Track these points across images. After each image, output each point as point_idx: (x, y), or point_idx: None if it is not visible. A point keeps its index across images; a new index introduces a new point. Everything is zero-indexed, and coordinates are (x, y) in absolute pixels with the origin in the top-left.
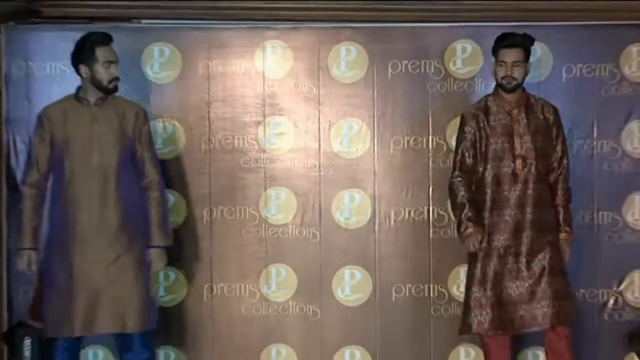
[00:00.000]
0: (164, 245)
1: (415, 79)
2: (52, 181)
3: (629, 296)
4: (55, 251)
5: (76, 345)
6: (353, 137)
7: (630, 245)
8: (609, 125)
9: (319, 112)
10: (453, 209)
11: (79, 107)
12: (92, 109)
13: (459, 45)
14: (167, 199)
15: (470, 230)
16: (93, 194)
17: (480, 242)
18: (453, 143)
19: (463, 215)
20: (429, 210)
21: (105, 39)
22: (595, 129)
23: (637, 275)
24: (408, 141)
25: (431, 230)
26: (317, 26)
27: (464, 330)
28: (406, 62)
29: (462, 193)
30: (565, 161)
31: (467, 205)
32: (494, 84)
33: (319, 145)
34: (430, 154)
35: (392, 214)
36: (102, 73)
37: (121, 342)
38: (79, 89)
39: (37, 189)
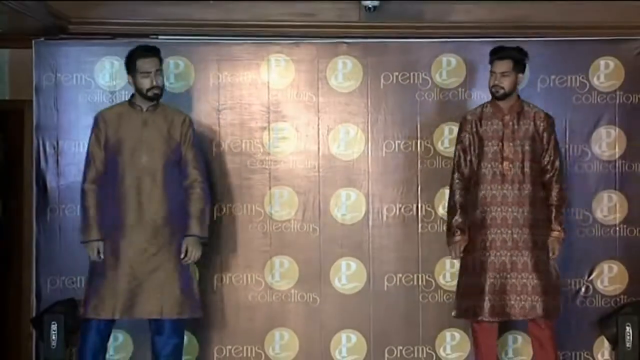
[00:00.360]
0: (199, 235)
1: (405, 89)
2: (107, 178)
3: (598, 285)
4: (105, 242)
5: (108, 328)
6: (349, 141)
7: (600, 239)
8: (580, 131)
9: (319, 118)
10: (447, 211)
11: (132, 111)
12: (144, 115)
13: (444, 59)
14: (208, 198)
15: (457, 237)
16: (142, 192)
17: (463, 251)
18: (439, 147)
19: (453, 221)
20: (417, 207)
21: (147, 52)
22: (567, 134)
23: (606, 266)
24: (399, 145)
25: (420, 225)
26: (316, 42)
27: (457, 315)
28: (397, 73)
29: (457, 196)
30: (557, 163)
31: (459, 211)
32: (475, 92)
33: (318, 148)
34: (419, 157)
35: (385, 211)
36: (141, 83)
37: (155, 326)
38: (132, 96)
39: (96, 184)
